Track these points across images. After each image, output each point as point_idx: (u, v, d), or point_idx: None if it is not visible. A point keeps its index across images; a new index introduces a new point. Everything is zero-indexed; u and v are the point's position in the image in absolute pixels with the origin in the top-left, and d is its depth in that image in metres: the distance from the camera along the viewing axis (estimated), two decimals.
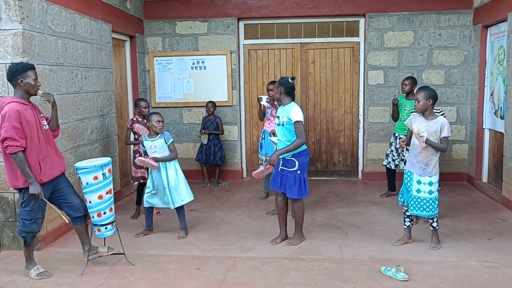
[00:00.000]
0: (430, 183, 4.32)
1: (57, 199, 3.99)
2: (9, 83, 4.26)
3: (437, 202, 4.37)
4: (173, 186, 4.82)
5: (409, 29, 7.13)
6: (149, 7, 7.47)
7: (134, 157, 5.55)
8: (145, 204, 4.93)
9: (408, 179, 4.43)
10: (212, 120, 7.15)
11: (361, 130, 7.57)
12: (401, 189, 4.60)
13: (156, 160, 4.77)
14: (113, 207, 4.15)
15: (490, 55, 6.61)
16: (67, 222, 4.18)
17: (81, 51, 5.35)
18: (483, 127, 6.83)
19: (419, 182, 4.35)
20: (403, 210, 4.56)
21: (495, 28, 6.43)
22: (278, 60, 7.58)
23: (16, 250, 4.51)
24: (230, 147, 7.59)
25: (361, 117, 7.55)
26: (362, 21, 7.36)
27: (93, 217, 4.05)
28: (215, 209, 5.98)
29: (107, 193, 4.04)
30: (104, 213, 4.05)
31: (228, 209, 5.94)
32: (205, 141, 7.11)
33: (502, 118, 6.15)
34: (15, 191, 3.97)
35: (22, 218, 3.86)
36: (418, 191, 4.35)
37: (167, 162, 4.83)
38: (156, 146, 4.81)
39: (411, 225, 4.58)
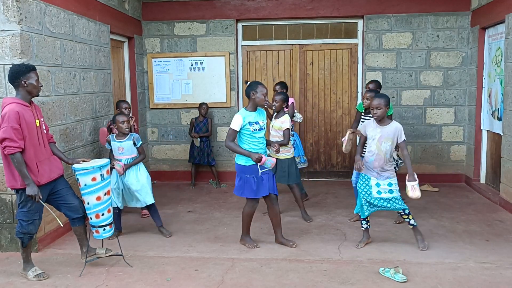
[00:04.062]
0: (390, 184, 4.36)
1: (56, 200, 3.99)
2: (8, 85, 4.27)
3: (400, 198, 4.38)
4: (144, 185, 4.85)
5: (407, 31, 7.15)
6: (148, 9, 7.47)
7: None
8: (120, 205, 4.91)
9: (366, 183, 4.42)
10: (204, 121, 7.18)
11: None
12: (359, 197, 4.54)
13: (127, 167, 4.81)
14: (111, 208, 4.14)
15: (488, 57, 6.63)
16: (62, 226, 4.18)
17: (79, 52, 5.35)
18: (481, 128, 6.84)
19: (377, 184, 4.37)
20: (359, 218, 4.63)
21: (492, 30, 6.45)
22: (276, 62, 7.59)
23: (13, 251, 4.50)
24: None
25: None
26: (360, 22, 7.37)
27: (91, 218, 4.04)
28: (213, 210, 5.98)
29: (105, 194, 4.03)
30: (102, 214, 4.04)
31: (226, 211, 5.94)
32: (198, 143, 7.14)
33: (499, 119, 6.16)
34: (13, 191, 3.96)
35: (19, 219, 3.85)
36: (379, 192, 4.36)
37: (138, 164, 4.91)
38: (124, 148, 4.86)
39: (368, 226, 4.59)
